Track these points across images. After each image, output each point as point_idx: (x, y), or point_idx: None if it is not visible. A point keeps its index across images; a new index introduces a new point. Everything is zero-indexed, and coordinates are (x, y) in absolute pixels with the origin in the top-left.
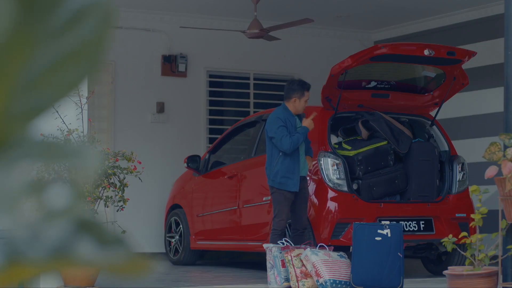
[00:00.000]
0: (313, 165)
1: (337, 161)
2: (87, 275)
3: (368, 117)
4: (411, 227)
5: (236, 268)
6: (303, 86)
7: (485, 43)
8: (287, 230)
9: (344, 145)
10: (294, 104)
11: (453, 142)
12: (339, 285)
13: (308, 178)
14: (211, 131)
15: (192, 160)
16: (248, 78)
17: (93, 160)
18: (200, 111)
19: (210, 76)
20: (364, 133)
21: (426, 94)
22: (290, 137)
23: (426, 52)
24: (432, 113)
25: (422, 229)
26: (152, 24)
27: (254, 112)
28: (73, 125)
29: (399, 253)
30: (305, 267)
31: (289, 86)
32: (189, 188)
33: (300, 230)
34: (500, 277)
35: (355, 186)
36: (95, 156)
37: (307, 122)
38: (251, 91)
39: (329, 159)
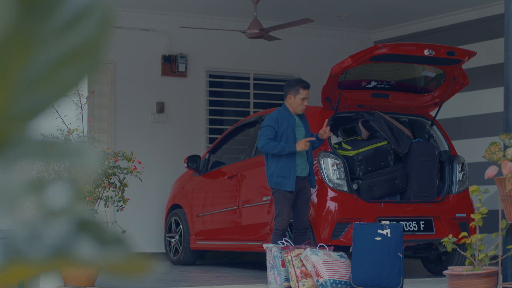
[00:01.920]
0: (313, 165)
1: (337, 161)
2: (87, 275)
3: (368, 117)
4: (411, 227)
5: (236, 268)
6: (298, 84)
7: (485, 43)
8: (288, 230)
9: (344, 145)
10: (290, 101)
11: (453, 142)
12: (339, 285)
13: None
14: (211, 131)
15: (192, 160)
16: (248, 78)
17: (93, 159)
18: (200, 111)
19: (210, 76)
20: (364, 133)
21: (426, 94)
22: (270, 141)
23: (426, 52)
24: (432, 113)
25: (422, 229)
26: (152, 24)
27: (254, 112)
28: (73, 125)
29: (399, 253)
30: (305, 267)
31: (285, 84)
32: (189, 188)
33: (301, 230)
34: (500, 277)
35: (355, 186)
36: (95, 155)
37: (302, 145)
38: (251, 91)
39: (329, 159)
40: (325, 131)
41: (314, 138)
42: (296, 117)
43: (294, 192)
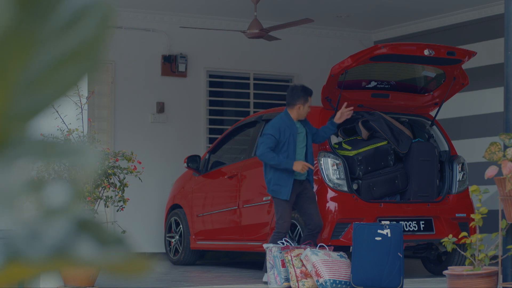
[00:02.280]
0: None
1: (337, 161)
2: (87, 275)
3: (368, 117)
4: (411, 227)
5: (236, 268)
6: (306, 92)
7: (485, 43)
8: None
9: (344, 145)
10: (298, 111)
11: (453, 142)
12: (339, 285)
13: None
14: (211, 131)
15: (192, 160)
16: (248, 78)
17: (92, 158)
18: (200, 111)
19: (210, 76)
20: (364, 133)
21: (426, 94)
22: (269, 150)
23: (426, 52)
24: (432, 113)
25: (422, 229)
26: (152, 24)
27: (254, 112)
28: (73, 125)
29: (399, 253)
30: (305, 267)
31: (292, 92)
32: (189, 188)
33: (315, 230)
34: (500, 277)
35: (355, 186)
36: (94, 154)
37: (299, 166)
38: (251, 91)
39: (329, 159)
40: (342, 113)
41: (313, 168)
42: (298, 123)
43: (291, 196)
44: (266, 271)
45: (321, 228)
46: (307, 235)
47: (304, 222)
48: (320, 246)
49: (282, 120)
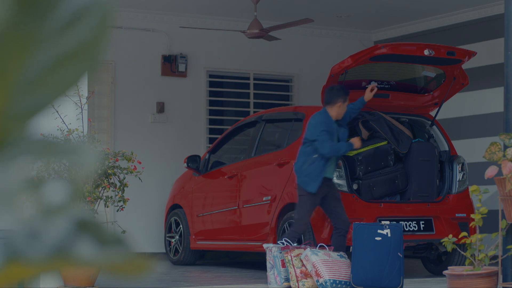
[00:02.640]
0: None
1: (337, 161)
2: (87, 275)
3: (368, 117)
4: (411, 227)
5: (236, 268)
6: (345, 92)
7: (485, 43)
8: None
9: None
10: (339, 109)
11: (453, 142)
12: (339, 285)
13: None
14: (211, 131)
15: (192, 160)
16: (248, 78)
17: (92, 157)
18: (200, 111)
19: (210, 76)
20: (364, 133)
21: (426, 94)
22: (334, 143)
23: (426, 52)
24: (432, 113)
25: (422, 229)
26: (152, 24)
27: (254, 112)
28: (73, 125)
29: (399, 253)
30: (305, 267)
31: (332, 92)
32: (189, 188)
33: (343, 229)
34: (500, 277)
35: (355, 186)
36: (94, 154)
37: (357, 143)
38: (251, 91)
39: None
40: (370, 93)
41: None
42: (335, 124)
43: (318, 195)
44: None
45: (349, 227)
46: (337, 237)
47: (331, 222)
48: (320, 246)
49: (323, 117)
